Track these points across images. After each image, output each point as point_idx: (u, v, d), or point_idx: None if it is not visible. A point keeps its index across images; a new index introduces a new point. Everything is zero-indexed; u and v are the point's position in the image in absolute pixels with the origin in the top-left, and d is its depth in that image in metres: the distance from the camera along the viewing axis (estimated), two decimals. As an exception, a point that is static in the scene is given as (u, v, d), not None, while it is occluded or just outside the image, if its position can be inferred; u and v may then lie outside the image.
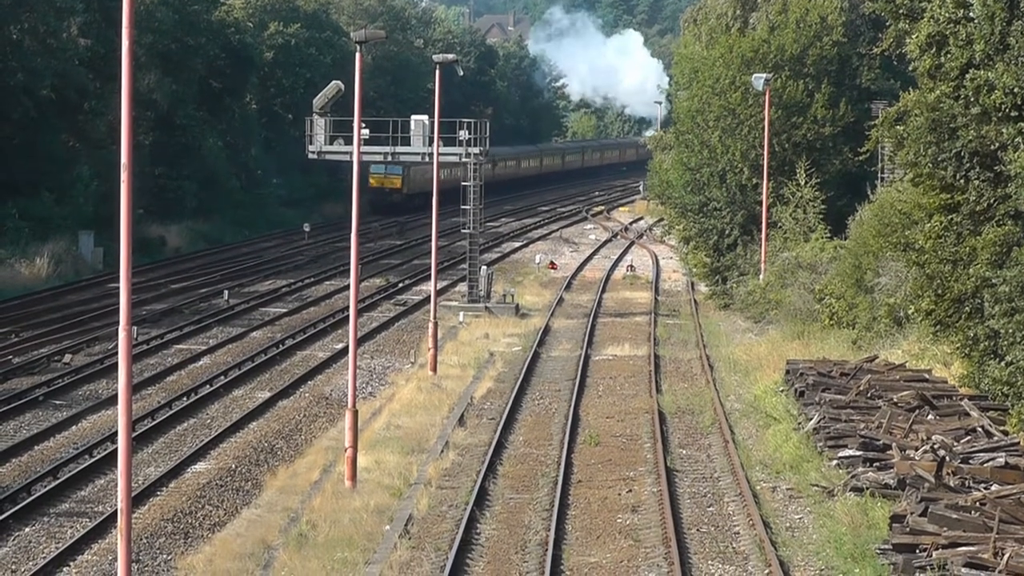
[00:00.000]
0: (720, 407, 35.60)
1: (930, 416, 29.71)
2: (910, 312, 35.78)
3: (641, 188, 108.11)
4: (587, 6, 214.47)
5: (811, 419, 31.12)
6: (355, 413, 28.13)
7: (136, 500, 26.49)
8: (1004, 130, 28.92)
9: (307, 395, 38.79)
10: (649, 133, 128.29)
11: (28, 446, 31.56)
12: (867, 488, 25.75)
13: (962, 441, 27.36)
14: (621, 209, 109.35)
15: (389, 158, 60.99)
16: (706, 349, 45.52)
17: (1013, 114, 28.42)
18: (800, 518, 25.75)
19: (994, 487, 23.90)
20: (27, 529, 25.78)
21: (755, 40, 54.93)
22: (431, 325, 40.91)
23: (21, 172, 62.23)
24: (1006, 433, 27.71)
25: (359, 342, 37.16)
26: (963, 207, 31.16)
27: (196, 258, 69.01)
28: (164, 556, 24.72)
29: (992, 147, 29.93)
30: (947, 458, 25.33)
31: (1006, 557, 20.41)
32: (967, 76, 29.36)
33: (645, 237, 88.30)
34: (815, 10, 54.83)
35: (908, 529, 21.97)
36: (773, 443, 31.04)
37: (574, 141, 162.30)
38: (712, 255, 56.10)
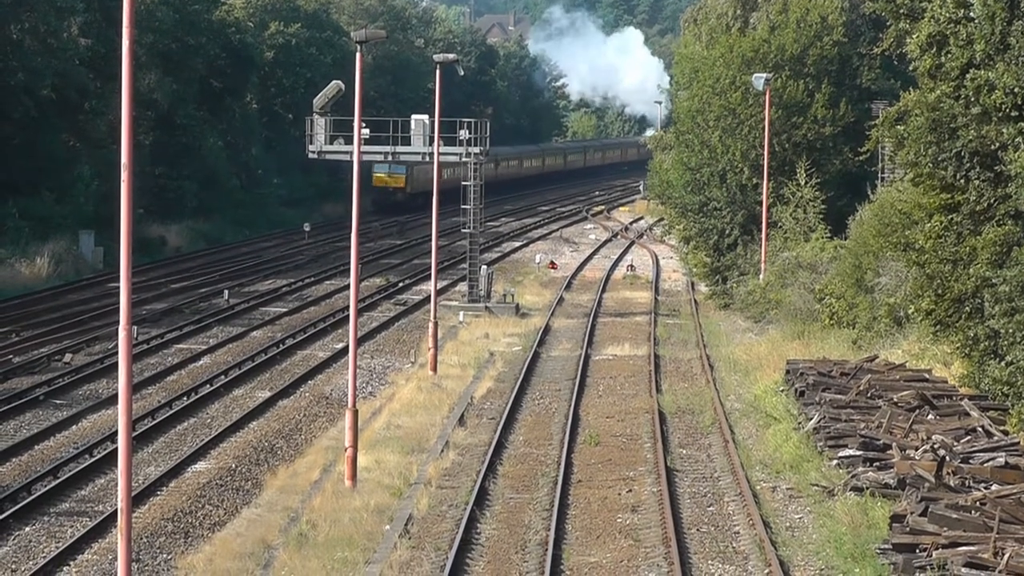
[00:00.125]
0: (720, 407, 35.60)
1: (930, 416, 29.71)
2: (910, 312, 35.78)
3: (641, 188, 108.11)
4: (587, 5, 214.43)
5: (811, 419, 31.12)
6: (355, 413, 28.14)
7: (136, 499, 26.49)
8: (1004, 130, 28.92)
9: (307, 395, 38.79)
10: (649, 133, 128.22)
11: (28, 445, 31.57)
12: (867, 488, 25.75)
13: (962, 441, 27.36)
14: (621, 209, 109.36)
15: (389, 158, 61.00)
16: (706, 349, 45.52)
17: (1013, 114, 28.42)
18: (800, 518, 25.75)
19: (994, 487, 23.90)
20: (27, 528, 25.79)
21: (755, 40, 54.93)
22: (431, 325, 40.91)
23: (21, 172, 62.25)
24: (1006, 433, 27.71)
25: (359, 342, 37.17)
26: (963, 207, 31.17)
27: (196, 258, 69.02)
28: (164, 555, 24.73)
29: (992, 147, 29.93)
30: (947, 458, 25.33)
31: (1006, 557, 20.41)
32: (967, 76, 29.37)
33: (645, 237, 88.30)
34: (815, 10, 54.83)
35: (908, 529, 21.98)
36: (773, 443, 31.05)
37: (576, 141, 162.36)
38: (712, 255, 56.11)
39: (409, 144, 56.70)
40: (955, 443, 26.96)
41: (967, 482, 24.37)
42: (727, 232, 55.12)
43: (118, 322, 17.15)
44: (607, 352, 45.40)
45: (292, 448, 32.80)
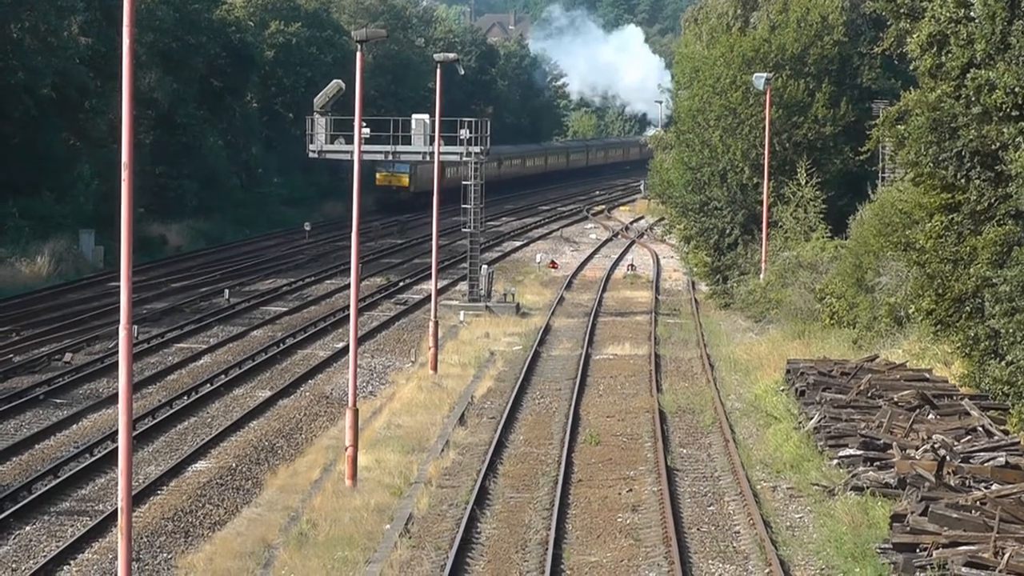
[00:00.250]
0: (720, 406, 35.60)
1: (931, 415, 29.70)
2: (911, 312, 35.78)
3: (642, 187, 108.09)
4: (587, 4, 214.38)
5: (811, 418, 31.12)
6: (356, 412, 28.14)
7: (137, 499, 26.49)
8: (1005, 130, 28.91)
9: (308, 394, 38.79)
10: (650, 132, 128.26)
11: (29, 445, 31.57)
12: (867, 487, 25.74)
13: (962, 440, 27.35)
14: (622, 208, 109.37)
15: (390, 157, 61.04)
16: (706, 348, 45.52)
17: (1014, 114, 28.41)
18: (800, 517, 25.74)
19: (994, 486, 23.88)
20: (28, 528, 25.78)
21: (756, 39, 54.94)
22: (432, 324, 40.92)
23: (22, 171, 62.24)
24: (1006, 432, 27.71)
25: (359, 341, 37.17)
26: (964, 207, 31.17)
27: (197, 257, 69.02)
28: (164, 555, 24.72)
29: (993, 147, 29.93)
30: (947, 457, 25.32)
31: (1006, 557, 20.41)
32: (968, 75, 29.35)
33: (646, 236, 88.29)
34: (816, 9, 54.83)
35: (908, 528, 21.97)
36: (773, 442, 31.04)
37: (578, 140, 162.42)
38: (713, 254, 56.12)
39: (410, 144, 56.72)
40: (955, 443, 26.96)
41: (967, 482, 24.36)
42: (727, 231, 55.13)
43: (118, 321, 17.14)
44: (607, 351, 45.39)
45: (292, 447, 32.80)
